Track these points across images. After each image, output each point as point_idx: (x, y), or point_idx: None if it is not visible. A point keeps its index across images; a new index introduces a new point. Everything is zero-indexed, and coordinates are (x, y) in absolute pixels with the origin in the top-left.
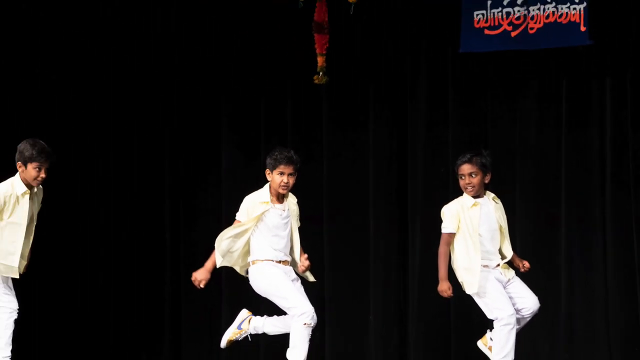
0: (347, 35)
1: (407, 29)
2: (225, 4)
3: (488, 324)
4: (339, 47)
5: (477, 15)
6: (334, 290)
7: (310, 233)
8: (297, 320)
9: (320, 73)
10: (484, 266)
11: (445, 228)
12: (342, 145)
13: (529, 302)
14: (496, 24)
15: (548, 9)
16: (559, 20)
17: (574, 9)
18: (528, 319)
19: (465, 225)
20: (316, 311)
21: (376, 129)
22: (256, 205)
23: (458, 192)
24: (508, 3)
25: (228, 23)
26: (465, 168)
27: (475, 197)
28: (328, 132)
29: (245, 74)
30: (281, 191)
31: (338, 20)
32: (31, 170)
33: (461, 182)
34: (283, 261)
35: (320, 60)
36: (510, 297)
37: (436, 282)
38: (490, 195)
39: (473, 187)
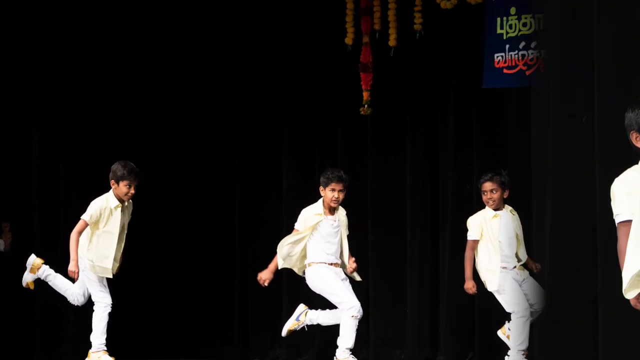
0: (388, 74)
1: (439, 68)
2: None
3: (506, 317)
4: (382, 83)
5: (497, 57)
6: (377, 288)
7: (358, 240)
8: (346, 313)
9: (366, 105)
10: (503, 268)
11: (471, 236)
12: (384, 167)
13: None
14: (513, 64)
15: None
16: None
17: None
18: (539, 312)
19: (487, 233)
20: (362, 306)
21: (412, 153)
22: (312, 217)
23: (481, 206)
24: (523, 47)
25: (282, 59)
26: (488, 185)
27: (495, 209)
28: (372, 156)
29: (302, 107)
30: (333, 205)
31: (381, 61)
32: (122, 187)
33: (484, 197)
34: (334, 263)
35: (365, 94)
36: (525, 294)
37: (463, 281)
38: (508, 208)
39: (494, 201)
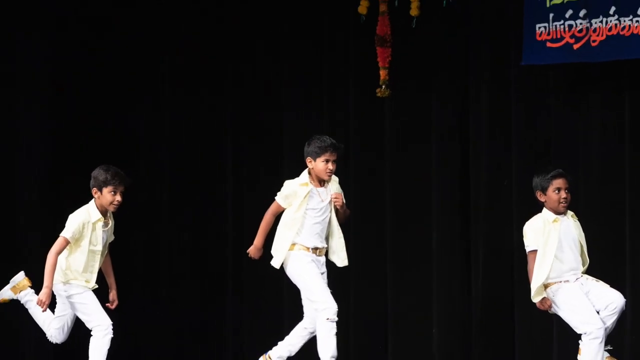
0: (409, 48)
1: (470, 41)
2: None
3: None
4: (402, 60)
5: (539, 27)
6: (397, 303)
7: (373, 244)
8: (321, 315)
9: (383, 86)
10: (565, 281)
11: (530, 246)
12: (404, 159)
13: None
14: (558, 36)
15: (610, 21)
16: (621, 33)
17: (637, 21)
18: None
19: (542, 241)
20: (380, 323)
21: (438, 143)
22: (297, 188)
23: (522, 205)
24: (570, 16)
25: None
26: (562, 182)
27: (560, 213)
28: (390, 145)
29: (309, 88)
30: (326, 178)
31: (401, 33)
32: (106, 194)
33: (554, 196)
34: (319, 249)
35: (382, 73)
36: (593, 305)
37: (499, 295)
38: (569, 213)
39: (568, 202)
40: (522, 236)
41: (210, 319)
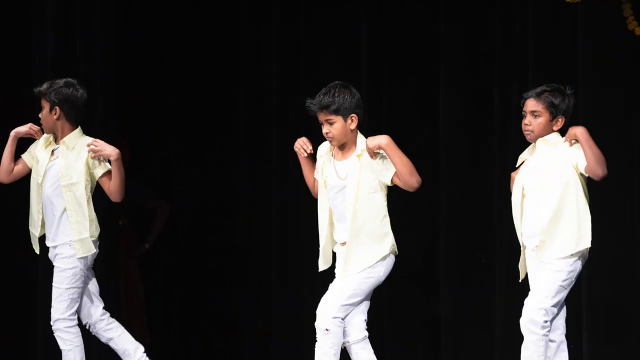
0: None
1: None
2: None
3: None
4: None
5: None
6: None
7: None
8: None
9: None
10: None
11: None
12: None
13: None
14: None
15: None
16: None
17: None
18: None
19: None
20: (376, 322)
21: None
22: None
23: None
24: None
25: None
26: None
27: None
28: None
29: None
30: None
31: None
32: None
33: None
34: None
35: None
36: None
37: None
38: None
39: (532, 131)
40: (502, 244)
41: (233, 319)
